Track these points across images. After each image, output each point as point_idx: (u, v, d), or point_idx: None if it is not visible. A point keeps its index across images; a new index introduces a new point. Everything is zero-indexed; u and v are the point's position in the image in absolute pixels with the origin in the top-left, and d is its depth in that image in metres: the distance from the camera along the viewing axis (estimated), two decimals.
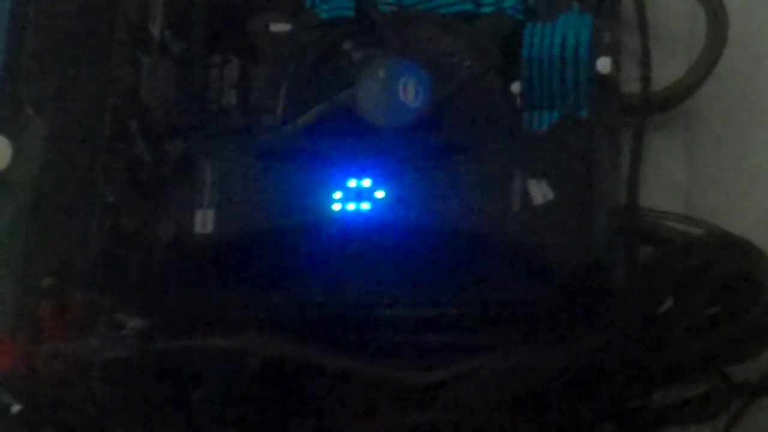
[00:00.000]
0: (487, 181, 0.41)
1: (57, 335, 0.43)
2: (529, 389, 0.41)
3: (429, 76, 0.43)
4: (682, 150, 0.48)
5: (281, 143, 0.45)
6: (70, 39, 0.45)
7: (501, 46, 0.45)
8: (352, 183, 0.42)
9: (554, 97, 0.44)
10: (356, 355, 0.41)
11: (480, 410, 0.41)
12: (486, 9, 0.46)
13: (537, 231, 0.41)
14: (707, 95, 0.47)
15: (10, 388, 0.43)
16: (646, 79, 0.45)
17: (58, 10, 0.46)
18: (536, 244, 0.40)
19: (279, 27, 0.48)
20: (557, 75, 0.44)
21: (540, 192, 0.41)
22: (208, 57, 0.48)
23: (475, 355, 0.41)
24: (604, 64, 0.44)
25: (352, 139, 0.43)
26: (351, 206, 0.42)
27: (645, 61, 0.45)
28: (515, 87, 0.45)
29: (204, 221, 0.43)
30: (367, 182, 0.42)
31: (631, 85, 0.46)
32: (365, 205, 0.42)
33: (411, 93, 0.43)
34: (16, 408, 0.43)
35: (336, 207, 0.42)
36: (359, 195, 0.42)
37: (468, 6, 0.46)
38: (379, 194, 0.42)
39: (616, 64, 0.45)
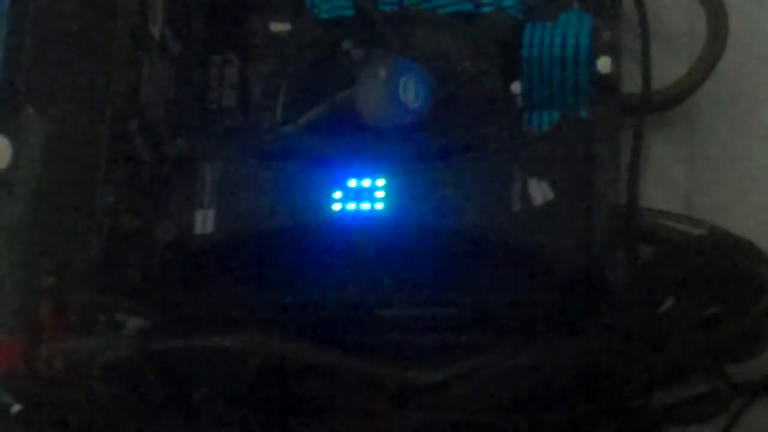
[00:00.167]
0: (487, 181, 0.41)
1: (57, 335, 0.43)
2: (529, 389, 0.41)
3: (429, 76, 0.43)
4: (682, 150, 0.48)
5: (281, 143, 0.45)
6: (70, 39, 0.45)
7: (501, 46, 0.45)
8: (352, 183, 0.42)
9: (554, 97, 0.44)
10: (356, 355, 0.41)
11: (480, 410, 0.41)
12: (486, 9, 0.46)
13: (537, 231, 0.41)
14: (707, 95, 0.47)
15: (10, 388, 0.43)
16: (646, 79, 0.45)
17: (58, 10, 0.46)
18: (536, 244, 0.40)
19: (279, 27, 0.48)
20: (557, 75, 0.44)
21: (540, 192, 0.41)
22: (208, 57, 0.48)
23: (475, 355, 0.41)
24: (604, 64, 0.44)
25: (352, 139, 0.43)
26: (351, 206, 0.42)
27: (645, 61, 0.45)
28: (515, 87, 0.45)
29: (204, 221, 0.43)
30: (367, 182, 0.42)
31: (631, 85, 0.46)
32: (365, 205, 0.42)
33: (411, 93, 0.43)
34: (16, 408, 0.43)
35: (336, 207, 0.42)
36: (359, 195, 0.42)
37: (468, 6, 0.46)
38: (379, 194, 0.42)
39: (616, 64, 0.45)
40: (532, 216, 0.41)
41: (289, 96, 0.46)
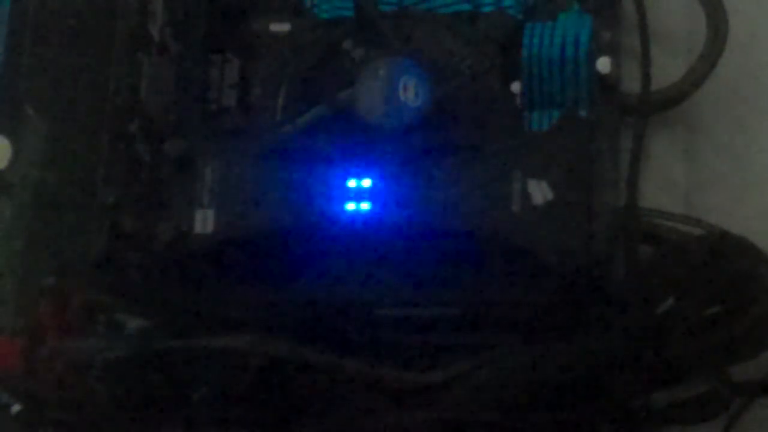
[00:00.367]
0: (487, 181, 0.41)
1: (57, 335, 0.43)
2: (529, 389, 0.41)
3: (429, 76, 0.43)
4: (682, 150, 0.48)
5: (281, 143, 0.45)
6: (70, 39, 0.45)
7: (501, 46, 0.45)
8: (352, 183, 0.42)
9: (554, 97, 0.44)
10: (356, 355, 0.41)
11: (480, 410, 0.41)
12: (486, 9, 0.46)
13: (537, 231, 0.41)
14: (707, 95, 0.47)
15: (10, 388, 0.43)
16: (646, 79, 0.45)
17: (58, 11, 0.46)
18: (536, 244, 0.40)
19: (279, 27, 0.48)
20: (557, 75, 0.44)
21: (540, 192, 0.41)
22: (208, 57, 0.48)
23: (475, 355, 0.41)
24: (604, 64, 0.44)
25: (352, 139, 0.43)
26: (351, 206, 0.42)
27: (645, 61, 0.45)
28: (515, 87, 0.45)
29: (204, 221, 0.43)
30: (367, 182, 0.42)
31: (631, 85, 0.46)
32: (365, 205, 0.42)
33: (411, 93, 0.43)
34: (16, 408, 0.43)
35: (336, 207, 0.42)
36: (359, 195, 0.42)
37: (468, 6, 0.46)
38: (379, 194, 0.42)
39: (616, 64, 0.45)
40: (532, 216, 0.41)
41: (289, 96, 0.46)
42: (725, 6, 0.46)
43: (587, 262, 0.40)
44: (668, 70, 0.46)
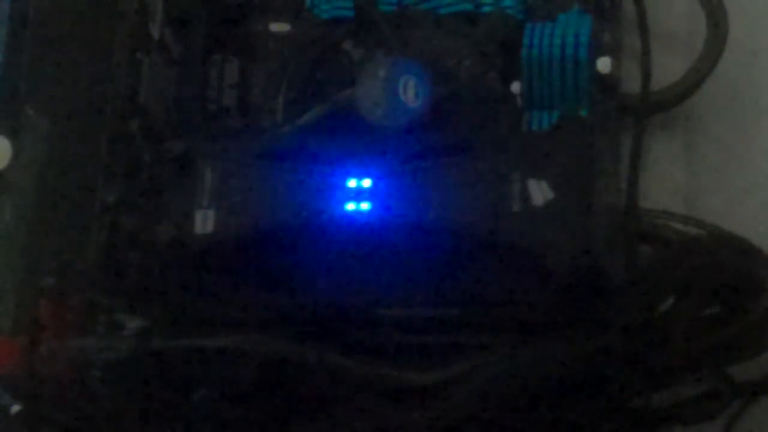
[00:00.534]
0: (487, 181, 0.41)
1: (57, 335, 0.43)
2: (529, 389, 0.41)
3: (429, 76, 0.43)
4: (682, 150, 0.48)
5: (281, 143, 0.45)
6: (70, 39, 0.45)
7: (501, 46, 0.45)
8: (352, 183, 0.42)
9: (554, 97, 0.44)
10: (356, 355, 0.41)
11: (480, 410, 0.41)
12: (486, 9, 0.46)
13: (537, 231, 0.41)
14: (707, 95, 0.47)
15: (10, 388, 0.43)
16: (646, 79, 0.45)
17: (59, 10, 0.46)
18: (536, 244, 0.40)
19: (279, 27, 0.48)
20: (557, 75, 0.44)
21: (540, 192, 0.41)
22: (208, 57, 0.48)
23: (475, 355, 0.41)
24: (604, 64, 0.44)
25: (352, 139, 0.43)
26: (351, 206, 0.42)
27: (645, 61, 0.45)
28: (515, 87, 0.45)
29: (204, 221, 0.43)
30: (367, 182, 0.42)
31: (631, 85, 0.46)
32: (365, 205, 0.42)
33: (411, 93, 0.43)
34: (16, 408, 0.43)
35: (336, 207, 0.42)
36: (359, 195, 0.42)
37: (468, 6, 0.46)
38: (379, 194, 0.42)
39: (616, 64, 0.45)
40: (532, 216, 0.41)
41: (289, 96, 0.46)
42: (725, 6, 0.46)
43: (587, 262, 0.40)
44: (668, 70, 0.46)
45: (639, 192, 0.44)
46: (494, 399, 0.41)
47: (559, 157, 0.41)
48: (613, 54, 0.45)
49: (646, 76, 0.45)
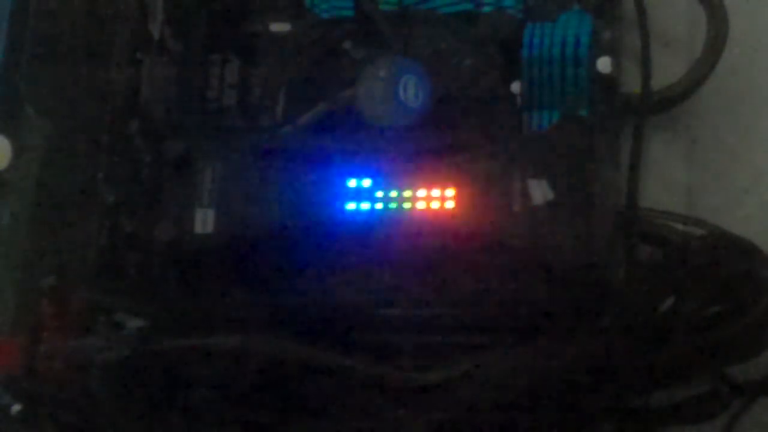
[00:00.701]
0: (487, 181, 0.41)
1: (57, 335, 0.43)
2: (529, 389, 0.41)
3: (429, 76, 0.43)
4: (682, 150, 0.48)
5: (281, 143, 0.45)
6: (70, 39, 0.45)
7: (501, 46, 0.45)
8: (352, 183, 0.42)
9: (554, 97, 0.44)
10: (356, 355, 0.41)
11: (480, 410, 0.41)
12: (486, 9, 0.46)
13: (537, 231, 0.41)
14: (707, 95, 0.47)
15: (10, 388, 0.43)
16: (646, 79, 0.45)
17: (59, 11, 0.46)
18: (536, 244, 0.40)
19: (279, 27, 0.48)
20: (557, 75, 0.44)
21: (540, 192, 0.41)
22: (208, 57, 0.48)
23: (475, 355, 0.41)
24: (604, 64, 0.44)
25: (352, 138, 0.43)
26: (351, 206, 0.42)
27: (645, 61, 0.45)
28: (515, 87, 0.45)
29: (204, 221, 0.43)
30: (367, 182, 0.42)
31: (631, 85, 0.46)
32: (365, 205, 0.42)
33: (411, 93, 0.43)
34: (16, 408, 0.43)
35: (336, 207, 0.42)
36: (359, 195, 0.42)
37: (468, 6, 0.46)
38: (379, 194, 0.42)
39: (616, 64, 0.45)
40: (532, 216, 0.41)
41: (289, 96, 0.46)
42: (725, 6, 0.46)
43: (587, 262, 0.40)
44: (668, 70, 0.46)
45: (639, 192, 0.44)
46: (494, 399, 0.41)
47: (559, 157, 0.41)
48: (613, 54, 0.45)
49: (646, 76, 0.45)
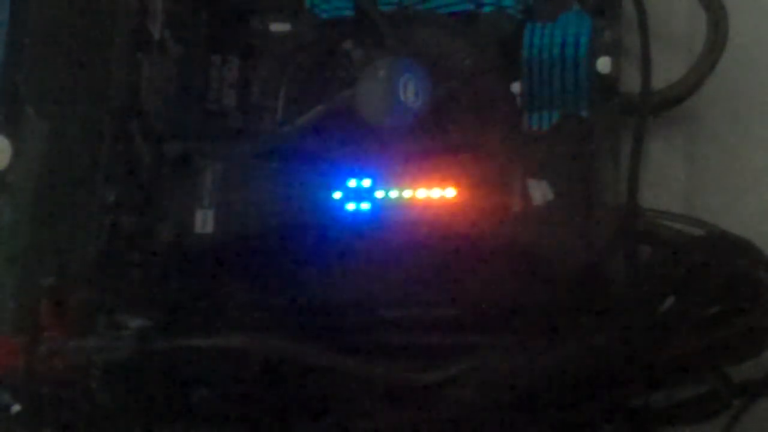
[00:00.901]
0: (487, 181, 0.41)
1: (57, 335, 0.43)
2: (529, 389, 0.41)
3: (429, 76, 0.43)
4: (682, 150, 0.48)
5: (281, 143, 0.45)
6: (70, 39, 0.45)
7: (501, 46, 0.45)
8: (352, 183, 0.42)
9: (554, 97, 0.44)
10: (356, 355, 0.41)
11: (480, 410, 0.41)
12: (486, 9, 0.46)
13: (537, 231, 0.41)
14: (707, 95, 0.47)
15: (10, 388, 0.43)
16: (646, 79, 0.45)
17: (58, 10, 0.46)
18: (536, 244, 0.40)
19: (279, 27, 0.48)
20: (557, 75, 0.44)
21: (540, 192, 0.41)
22: (208, 57, 0.48)
23: (475, 355, 0.41)
24: (604, 64, 0.44)
25: (352, 139, 0.43)
26: (351, 206, 0.42)
27: (645, 61, 0.45)
28: (515, 87, 0.45)
29: (204, 221, 0.43)
30: (367, 182, 0.42)
31: (631, 85, 0.46)
32: (365, 205, 0.42)
33: (411, 93, 0.43)
34: (16, 408, 0.43)
35: (336, 207, 0.42)
36: (359, 195, 0.42)
37: (468, 6, 0.46)
38: (379, 194, 0.42)
39: (616, 64, 0.45)
40: (532, 216, 0.41)
41: (289, 96, 0.46)
42: (725, 6, 0.46)
43: (587, 262, 0.40)
44: (668, 70, 0.46)
45: (639, 192, 0.44)
46: (494, 399, 0.41)
47: (559, 157, 0.41)
48: (613, 54, 0.45)
49: (646, 76, 0.45)
